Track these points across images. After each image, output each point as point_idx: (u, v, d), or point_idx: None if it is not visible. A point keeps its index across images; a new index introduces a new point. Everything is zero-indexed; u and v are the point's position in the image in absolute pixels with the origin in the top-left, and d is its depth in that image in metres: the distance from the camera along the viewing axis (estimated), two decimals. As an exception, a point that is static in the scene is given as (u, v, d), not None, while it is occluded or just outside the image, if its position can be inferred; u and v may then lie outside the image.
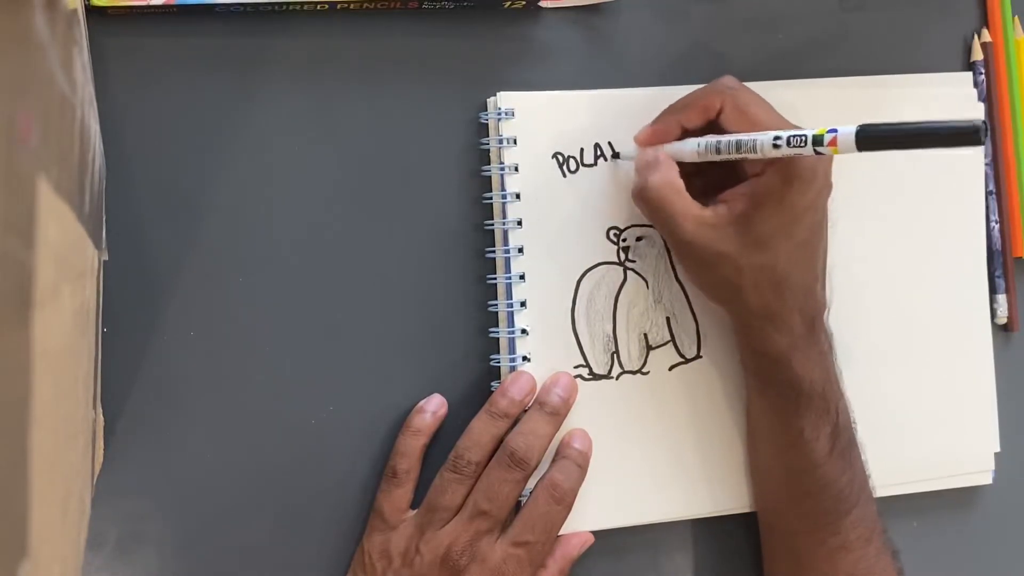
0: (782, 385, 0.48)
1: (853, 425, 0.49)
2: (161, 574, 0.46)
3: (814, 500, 0.48)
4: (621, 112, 0.51)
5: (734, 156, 0.45)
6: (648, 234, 0.51)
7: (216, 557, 0.47)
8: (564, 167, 0.50)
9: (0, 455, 0.19)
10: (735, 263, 0.45)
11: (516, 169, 0.50)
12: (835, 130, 0.40)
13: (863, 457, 0.49)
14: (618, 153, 0.51)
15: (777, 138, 0.43)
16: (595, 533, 0.50)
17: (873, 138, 0.40)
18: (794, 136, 0.42)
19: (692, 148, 0.47)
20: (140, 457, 0.46)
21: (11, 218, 0.19)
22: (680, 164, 0.47)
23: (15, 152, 0.19)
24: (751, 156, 0.44)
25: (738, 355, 0.51)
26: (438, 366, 0.50)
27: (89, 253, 0.35)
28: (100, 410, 0.44)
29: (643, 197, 0.47)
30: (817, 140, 0.41)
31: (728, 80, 0.48)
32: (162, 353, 0.46)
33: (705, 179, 0.48)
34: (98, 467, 0.44)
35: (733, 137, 0.45)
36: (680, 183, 0.46)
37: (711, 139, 0.46)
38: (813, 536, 0.49)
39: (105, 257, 0.45)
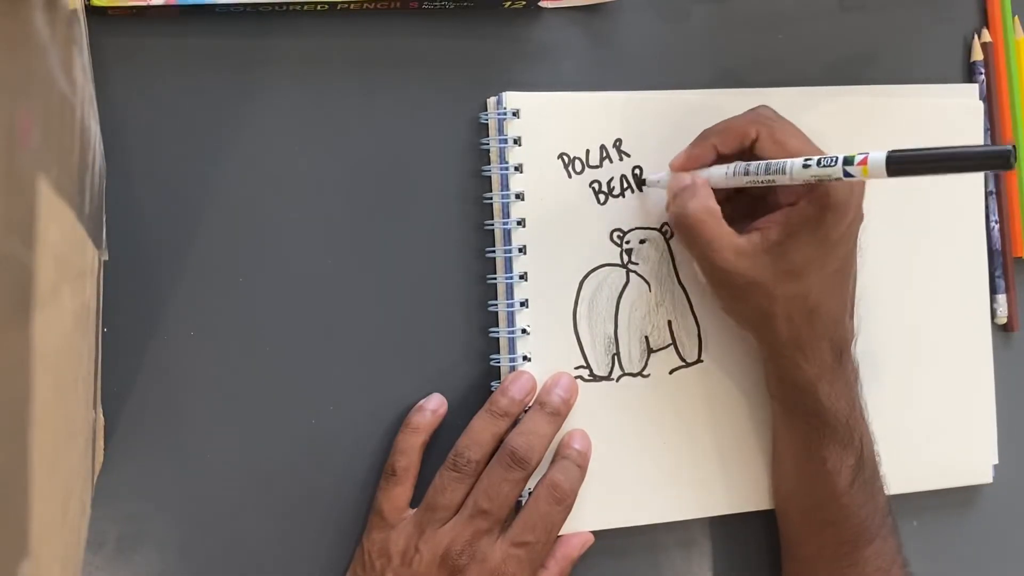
0: (807, 414, 0.48)
1: (877, 457, 0.49)
2: (161, 574, 0.46)
3: (835, 529, 0.49)
4: (629, 115, 0.51)
5: (763, 179, 0.45)
6: (651, 237, 0.51)
7: (216, 557, 0.47)
8: (570, 168, 0.50)
9: (0, 455, 0.19)
10: (768, 292, 0.46)
11: (519, 169, 0.50)
12: (866, 153, 0.41)
13: (885, 489, 0.50)
14: (643, 180, 0.51)
15: (807, 160, 0.43)
16: (594, 534, 0.50)
17: (903, 162, 0.39)
18: (824, 158, 0.42)
19: (721, 173, 0.47)
20: (140, 457, 0.46)
21: (11, 218, 0.19)
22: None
23: (15, 152, 0.19)
24: (780, 179, 0.44)
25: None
26: (438, 366, 0.50)
27: (89, 253, 0.35)
28: (100, 410, 0.44)
29: (681, 223, 0.47)
30: (848, 161, 0.41)
31: (765, 110, 0.48)
32: (162, 353, 0.46)
33: (733, 207, 0.48)
34: (98, 467, 0.44)
35: (763, 161, 0.45)
36: (717, 209, 0.47)
37: (740, 164, 0.46)
38: (832, 565, 0.49)
39: (105, 257, 0.45)
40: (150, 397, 0.46)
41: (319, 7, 0.48)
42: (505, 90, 0.50)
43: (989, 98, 0.58)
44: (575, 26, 0.52)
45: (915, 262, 0.56)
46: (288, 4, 0.47)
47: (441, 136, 0.50)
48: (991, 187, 0.58)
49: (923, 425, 0.55)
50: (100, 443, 0.44)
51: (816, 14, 0.56)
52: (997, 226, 0.58)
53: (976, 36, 0.59)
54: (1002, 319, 0.58)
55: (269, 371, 0.48)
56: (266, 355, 0.48)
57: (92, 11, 0.44)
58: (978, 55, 0.58)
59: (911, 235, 0.56)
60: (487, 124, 0.50)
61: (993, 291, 0.58)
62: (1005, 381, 0.58)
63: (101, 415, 0.45)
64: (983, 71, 0.58)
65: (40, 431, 0.21)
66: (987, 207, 0.58)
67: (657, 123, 0.51)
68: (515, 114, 0.50)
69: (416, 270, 0.50)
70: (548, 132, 0.50)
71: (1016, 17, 0.59)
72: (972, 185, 0.57)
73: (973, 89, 0.58)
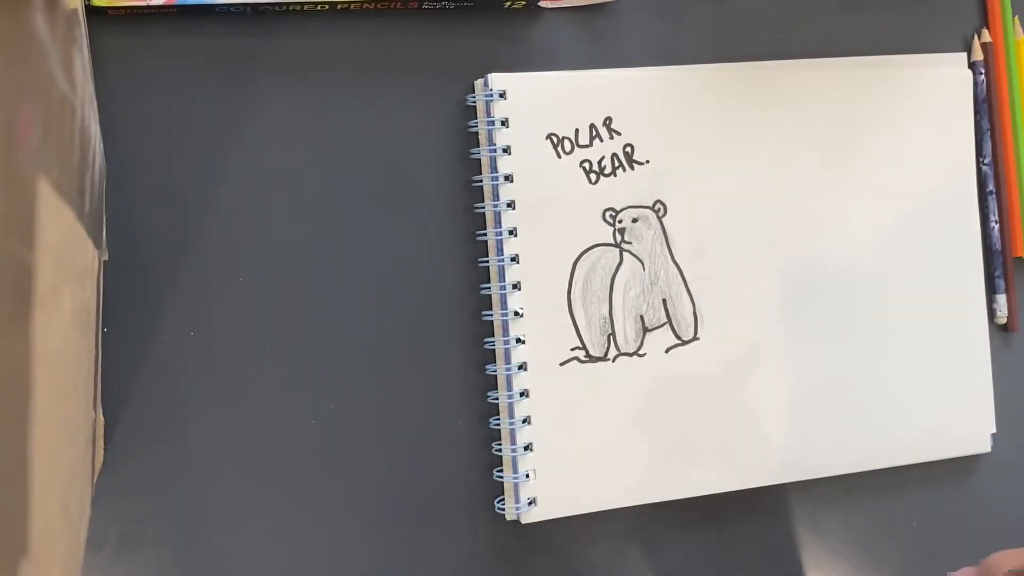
0: None
1: None
2: (161, 574, 0.46)
3: None
4: (619, 92, 0.51)
5: None
6: (643, 215, 0.51)
7: (216, 557, 0.47)
8: (559, 148, 0.50)
9: (0, 455, 0.19)
10: None
11: (508, 151, 0.49)
12: None
13: None
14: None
15: None
16: (589, 515, 0.49)
17: None
18: None
19: None
20: (140, 457, 0.46)
21: (11, 218, 0.19)
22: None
23: (15, 152, 0.19)
24: None
25: None
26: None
27: (89, 253, 0.35)
28: (100, 410, 0.44)
29: None
30: None
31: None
32: (162, 353, 0.46)
33: None
34: (98, 467, 0.44)
35: None
36: None
37: None
38: None
39: (105, 257, 0.45)
40: (150, 397, 0.46)
41: (319, 7, 0.48)
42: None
43: (989, 98, 0.58)
44: (575, 26, 0.52)
45: (911, 258, 0.56)
46: (288, 4, 0.47)
47: (442, 136, 0.50)
48: (991, 187, 0.58)
49: (920, 396, 0.55)
50: (100, 443, 0.44)
51: (816, 14, 0.56)
52: (997, 226, 0.58)
53: (976, 36, 0.59)
54: (1002, 319, 0.58)
55: (269, 371, 0.48)
56: (266, 355, 0.48)
57: (92, 11, 0.44)
58: (978, 55, 0.58)
59: (906, 229, 0.56)
60: (475, 106, 0.50)
61: (993, 291, 0.58)
62: (1005, 381, 0.58)
63: (101, 415, 0.45)
64: (983, 71, 0.58)
65: (40, 431, 0.21)
66: (987, 207, 0.58)
67: (648, 100, 0.51)
68: (502, 95, 0.49)
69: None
70: (536, 112, 0.50)
71: (1016, 17, 0.59)
72: (965, 182, 0.57)
73: (962, 58, 0.58)
